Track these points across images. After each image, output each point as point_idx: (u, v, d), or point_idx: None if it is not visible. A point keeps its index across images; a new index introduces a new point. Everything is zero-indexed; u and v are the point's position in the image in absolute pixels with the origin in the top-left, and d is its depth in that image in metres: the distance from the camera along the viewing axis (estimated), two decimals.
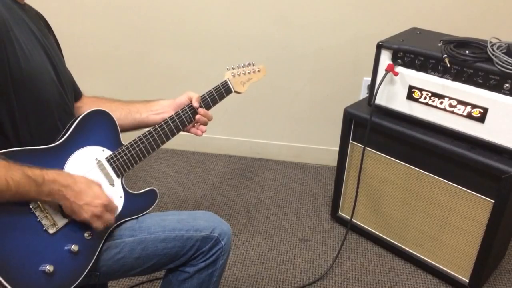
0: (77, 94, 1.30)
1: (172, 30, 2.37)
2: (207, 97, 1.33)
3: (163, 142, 1.25)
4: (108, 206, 1.06)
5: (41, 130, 1.07)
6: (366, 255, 1.98)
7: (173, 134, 1.28)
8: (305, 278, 1.86)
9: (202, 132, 1.33)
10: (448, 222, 1.74)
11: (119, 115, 1.27)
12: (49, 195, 0.97)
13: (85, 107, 1.26)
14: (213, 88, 1.35)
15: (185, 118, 1.29)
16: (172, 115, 1.27)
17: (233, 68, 1.42)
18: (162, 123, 1.25)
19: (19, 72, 0.99)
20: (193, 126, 1.33)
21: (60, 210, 1.03)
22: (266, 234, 2.09)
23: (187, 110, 1.29)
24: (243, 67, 1.44)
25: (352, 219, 2.01)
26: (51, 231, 1.01)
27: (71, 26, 2.37)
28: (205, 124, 1.33)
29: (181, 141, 2.15)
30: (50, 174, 0.97)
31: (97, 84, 2.51)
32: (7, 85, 0.97)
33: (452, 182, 1.68)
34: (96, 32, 2.41)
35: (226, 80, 1.38)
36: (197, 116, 1.30)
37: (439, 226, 1.77)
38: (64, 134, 1.09)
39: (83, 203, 1.01)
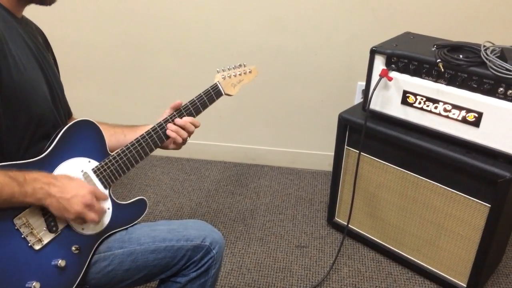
0: (68, 113, 1.28)
1: (165, 36, 2.35)
2: (196, 101, 1.28)
3: (151, 150, 1.22)
4: (95, 193, 1.06)
5: (29, 145, 1.05)
6: (363, 261, 1.97)
7: (162, 141, 1.24)
8: (302, 285, 1.85)
9: (183, 138, 1.26)
10: (445, 227, 1.73)
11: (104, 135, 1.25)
12: (33, 194, 0.96)
13: None
14: (202, 92, 1.30)
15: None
16: (160, 122, 1.24)
17: (223, 70, 1.37)
18: (151, 130, 1.22)
19: (11, 85, 0.98)
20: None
21: (45, 225, 1.01)
22: (262, 241, 2.07)
23: (175, 114, 1.26)
24: (233, 68, 1.40)
25: (349, 225, 1.99)
26: (36, 247, 0.99)
27: (63, 33, 2.36)
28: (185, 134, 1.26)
29: None
30: (30, 174, 0.97)
31: (90, 91, 2.50)
32: None
33: (448, 186, 1.67)
34: (88, 39, 2.40)
35: (216, 83, 1.33)
36: (169, 125, 1.23)
37: (436, 231, 1.76)
38: (49, 147, 1.06)
39: (70, 196, 1.00)
